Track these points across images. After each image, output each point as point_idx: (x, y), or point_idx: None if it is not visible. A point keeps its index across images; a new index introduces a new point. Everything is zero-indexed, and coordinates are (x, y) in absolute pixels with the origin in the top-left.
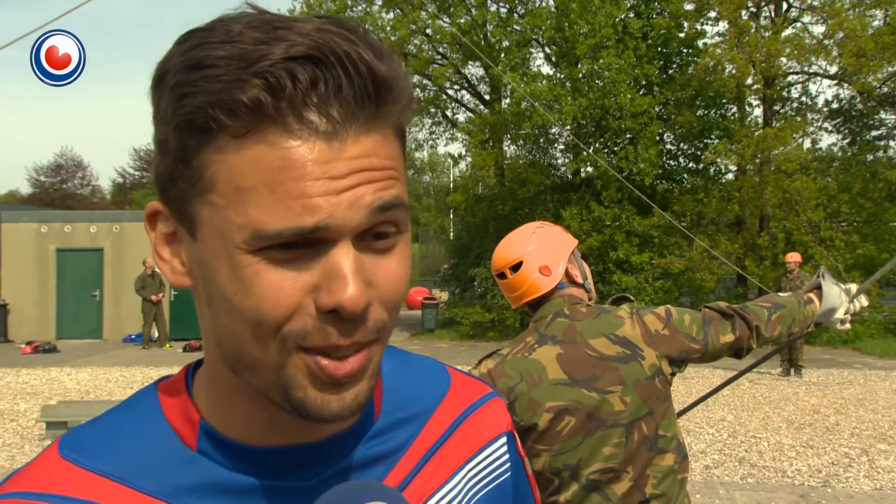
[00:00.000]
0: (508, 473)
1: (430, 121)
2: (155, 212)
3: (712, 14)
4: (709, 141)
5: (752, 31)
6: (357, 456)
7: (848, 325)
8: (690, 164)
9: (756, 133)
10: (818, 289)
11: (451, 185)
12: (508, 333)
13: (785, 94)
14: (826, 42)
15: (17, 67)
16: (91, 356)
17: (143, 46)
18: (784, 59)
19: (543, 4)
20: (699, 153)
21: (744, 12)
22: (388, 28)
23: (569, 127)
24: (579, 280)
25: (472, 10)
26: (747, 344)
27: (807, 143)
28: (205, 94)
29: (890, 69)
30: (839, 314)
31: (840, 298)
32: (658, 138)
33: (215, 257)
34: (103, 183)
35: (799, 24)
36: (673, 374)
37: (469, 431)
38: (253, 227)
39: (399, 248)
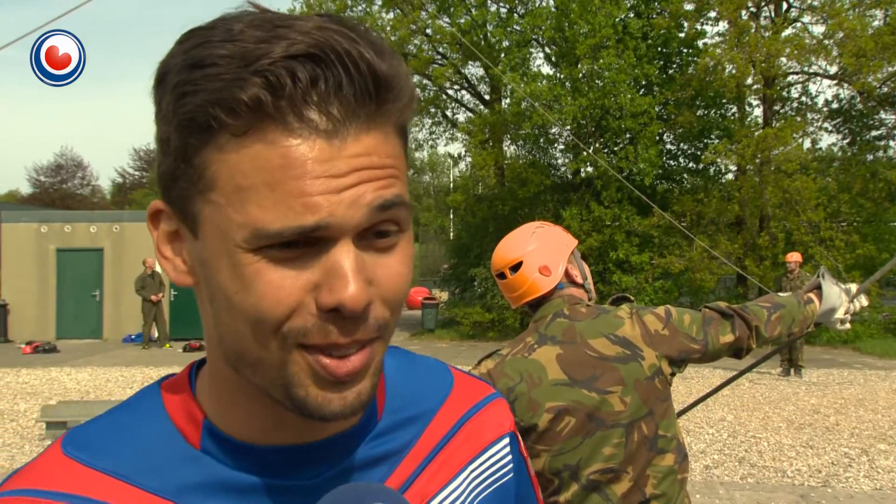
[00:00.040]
0: (511, 474)
1: (430, 121)
2: (157, 210)
3: (712, 14)
4: (709, 141)
5: (752, 31)
6: (360, 456)
7: (848, 325)
8: (690, 164)
9: (756, 133)
10: (818, 289)
11: (451, 185)
12: (508, 333)
13: (785, 94)
14: (826, 42)
15: (17, 67)
16: (91, 356)
17: (143, 46)
18: (784, 59)
19: (543, 4)
20: (699, 153)
21: (744, 12)
22: (388, 28)
23: (569, 127)
24: (579, 280)
25: (472, 10)
26: (747, 344)
27: (807, 143)
28: (205, 92)
29: (890, 69)
30: (839, 314)
31: (840, 298)
32: (658, 138)
33: (216, 256)
34: (103, 183)
35: (799, 24)
36: (673, 375)
37: (472, 432)
38: (253, 225)
39: (401, 246)
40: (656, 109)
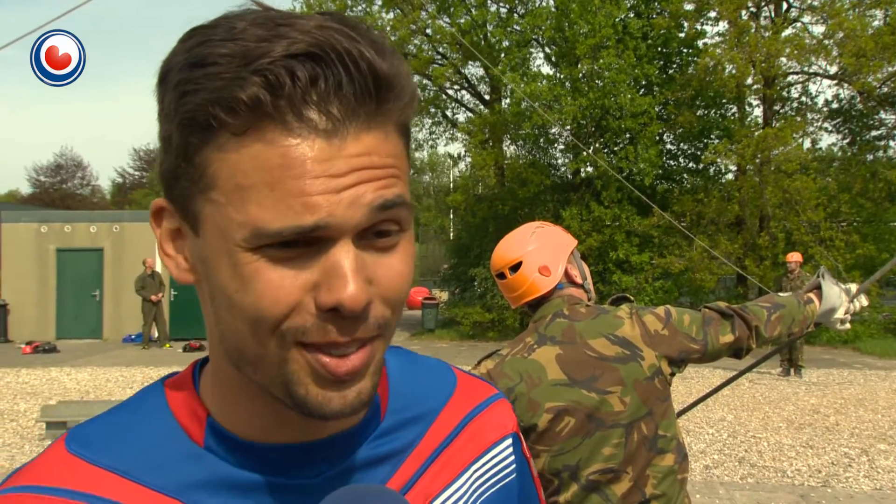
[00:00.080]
0: (514, 475)
1: (430, 121)
2: (160, 208)
3: (712, 14)
4: (709, 141)
5: (752, 31)
6: (363, 455)
7: (848, 325)
8: (690, 164)
9: (756, 133)
10: (818, 289)
11: (451, 185)
12: (508, 333)
13: (785, 94)
14: (826, 42)
15: (17, 67)
16: (91, 356)
17: (143, 46)
18: (784, 59)
19: (543, 4)
20: (699, 153)
21: (744, 12)
22: (388, 28)
23: (569, 127)
24: (579, 280)
25: (472, 10)
26: (747, 344)
27: (807, 143)
28: (206, 91)
29: (890, 69)
30: (839, 314)
31: (840, 298)
32: (658, 138)
33: (216, 254)
34: (103, 183)
35: (799, 24)
36: (672, 375)
37: (475, 432)
38: (253, 225)
39: (401, 245)
40: (656, 109)
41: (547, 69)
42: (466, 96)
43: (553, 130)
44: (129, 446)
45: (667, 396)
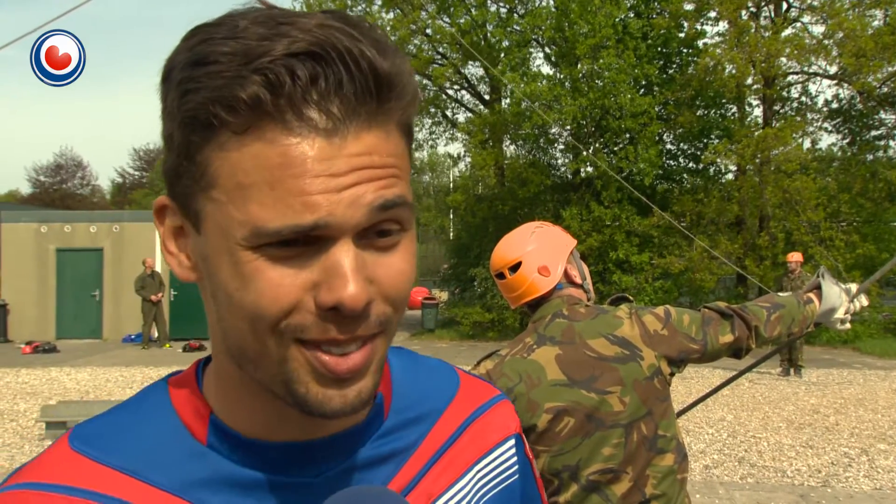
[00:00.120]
0: (517, 476)
1: (430, 121)
2: (163, 206)
3: (712, 14)
4: (709, 141)
5: (752, 31)
6: (365, 454)
7: (848, 325)
8: (690, 164)
9: (756, 133)
10: (818, 289)
11: (451, 185)
12: (508, 333)
13: (785, 94)
14: (826, 42)
15: (17, 67)
16: (91, 356)
17: (143, 46)
18: (784, 59)
19: (543, 4)
20: (699, 153)
21: (744, 12)
22: (388, 28)
23: (569, 127)
24: (578, 280)
25: (472, 11)
26: (746, 344)
27: (807, 143)
28: (207, 90)
29: (890, 69)
30: (839, 314)
31: (840, 298)
32: (658, 138)
33: (217, 253)
34: (103, 183)
35: (799, 24)
36: (672, 375)
37: (478, 433)
38: (253, 224)
39: (403, 244)
40: (656, 109)
41: (547, 69)
42: (466, 96)
43: (553, 130)
44: (133, 444)
45: (666, 396)
